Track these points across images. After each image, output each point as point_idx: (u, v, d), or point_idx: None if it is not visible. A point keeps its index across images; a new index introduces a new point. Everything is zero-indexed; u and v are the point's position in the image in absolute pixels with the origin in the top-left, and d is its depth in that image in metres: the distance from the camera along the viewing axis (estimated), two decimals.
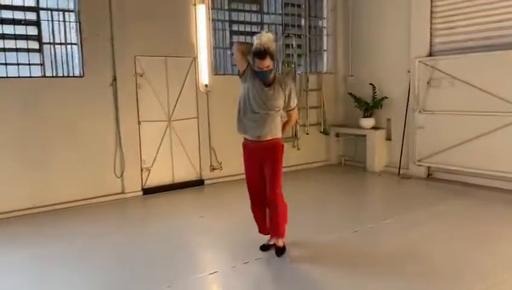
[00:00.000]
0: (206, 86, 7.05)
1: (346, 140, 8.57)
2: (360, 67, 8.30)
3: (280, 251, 4.16)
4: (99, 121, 6.24)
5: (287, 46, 8.04)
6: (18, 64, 5.65)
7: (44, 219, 5.62)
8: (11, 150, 5.66)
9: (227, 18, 7.36)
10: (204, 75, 7.02)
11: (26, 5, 5.67)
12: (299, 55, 8.17)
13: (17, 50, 5.65)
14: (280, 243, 4.19)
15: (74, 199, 6.06)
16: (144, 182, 6.63)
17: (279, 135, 4.08)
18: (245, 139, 4.15)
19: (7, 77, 5.60)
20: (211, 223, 5.33)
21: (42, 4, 5.78)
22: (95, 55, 6.10)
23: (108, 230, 5.17)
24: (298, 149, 8.19)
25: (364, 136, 7.99)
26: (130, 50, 6.34)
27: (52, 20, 5.84)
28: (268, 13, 7.83)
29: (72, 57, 6.06)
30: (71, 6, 5.98)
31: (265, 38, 3.87)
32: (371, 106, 7.88)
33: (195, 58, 6.94)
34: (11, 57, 5.62)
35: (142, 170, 6.60)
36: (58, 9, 5.89)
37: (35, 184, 5.82)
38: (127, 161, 6.42)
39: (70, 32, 5.99)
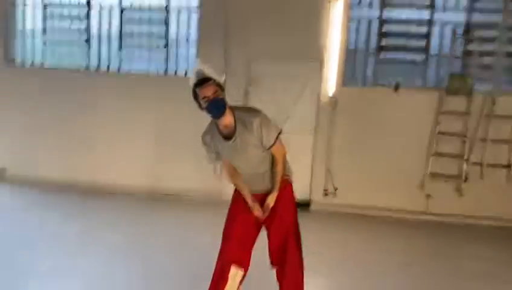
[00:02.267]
0: (332, 98, 5.98)
1: None
2: None
3: None
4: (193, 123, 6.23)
5: (467, 54, 5.86)
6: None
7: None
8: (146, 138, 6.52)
9: (376, 16, 5.93)
10: (330, 85, 5.97)
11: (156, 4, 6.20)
12: (486, 67, 5.82)
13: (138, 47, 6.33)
14: None
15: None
16: None
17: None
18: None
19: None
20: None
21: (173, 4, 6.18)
22: (206, 56, 6.06)
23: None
24: (461, 195, 5.97)
25: None
26: (245, 53, 6.00)
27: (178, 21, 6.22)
28: (444, 10, 5.85)
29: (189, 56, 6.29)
30: (195, 4, 6.15)
31: (199, 67, 2.84)
32: None
33: (321, 65, 5.96)
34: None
35: None
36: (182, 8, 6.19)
37: (159, 171, 6.47)
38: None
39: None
